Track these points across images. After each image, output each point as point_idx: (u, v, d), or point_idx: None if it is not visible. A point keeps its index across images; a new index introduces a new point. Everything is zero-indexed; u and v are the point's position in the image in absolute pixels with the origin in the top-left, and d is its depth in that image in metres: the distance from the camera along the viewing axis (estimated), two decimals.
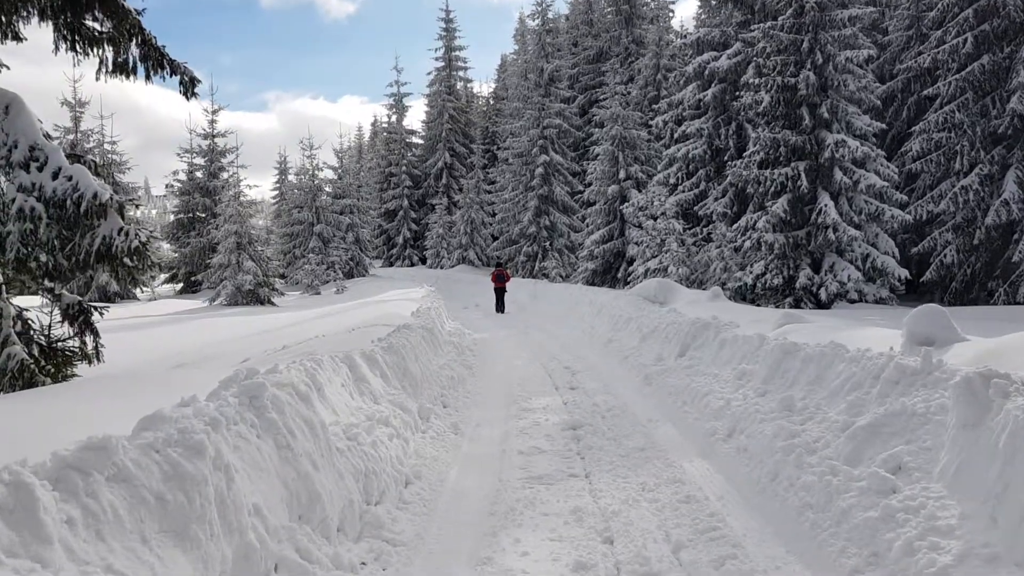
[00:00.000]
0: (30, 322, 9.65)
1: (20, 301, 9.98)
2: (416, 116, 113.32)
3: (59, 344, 9.74)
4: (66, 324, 9.84)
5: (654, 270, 24.85)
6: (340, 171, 46.27)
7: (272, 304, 29.59)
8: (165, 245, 42.54)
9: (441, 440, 8.28)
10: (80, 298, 10.02)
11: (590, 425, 8.99)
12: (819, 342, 7.96)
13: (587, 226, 32.89)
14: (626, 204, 29.18)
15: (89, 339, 9.82)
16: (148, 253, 8.93)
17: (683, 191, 27.34)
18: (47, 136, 8.84)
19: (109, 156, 37.21)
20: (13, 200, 8.42)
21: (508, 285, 27.38)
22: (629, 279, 27.28)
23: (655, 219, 25.43)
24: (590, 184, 32.96)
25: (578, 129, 40.43)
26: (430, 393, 9.93)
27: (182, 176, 42.24)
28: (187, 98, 12.55)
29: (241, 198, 31.37)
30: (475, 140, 50.99)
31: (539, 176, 37.49)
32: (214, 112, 40.70)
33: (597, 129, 33.68)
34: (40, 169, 8.58)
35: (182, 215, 42.02)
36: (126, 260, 8.64)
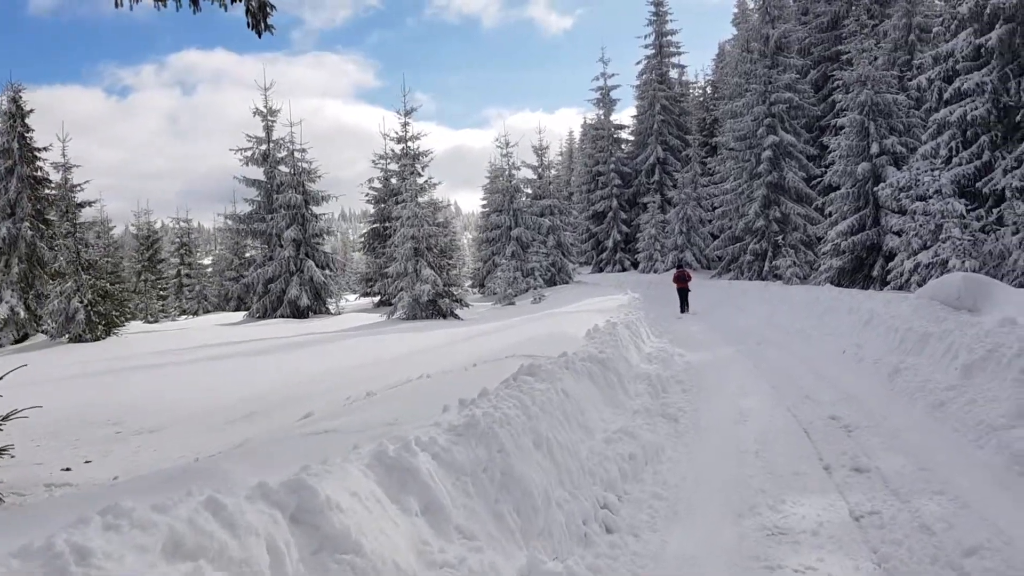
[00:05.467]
0: None
1: None
2: (626, 113, 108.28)
3: None
4: None
5: (927, 264, 20.04)
6: (540, 169, 42.46)
7: (455, 317, 25.97)
8: (357, 256, 40.67)
9: None
10: None
11: None
12: None
13: (829, 216, 26.87)
14: (881, 185, 23.28)
15: None
16: None
17: (960, 164, 21.18)
18: None
19: (299, 164, 35.55)
20: None
21: (690, 284, 26.14)
22: (888, 277, 22.43)
23: (925, 200, 20.26)
24: (831, 164, 26.91)
25: (812, 106, 34.13)
26: (572, 510, 5.01)
27: (377, 184, 40.31)
28: (258, 32, 8.95)
29: (419, 198, 27.92)
30: (690, 131, 45.45)
31: (767, 160, 31.55)
32: (407, 114, 38.33)
33: (841, 96, 27.37)
34: None
35: (376, 224, 39.98)
36: None
